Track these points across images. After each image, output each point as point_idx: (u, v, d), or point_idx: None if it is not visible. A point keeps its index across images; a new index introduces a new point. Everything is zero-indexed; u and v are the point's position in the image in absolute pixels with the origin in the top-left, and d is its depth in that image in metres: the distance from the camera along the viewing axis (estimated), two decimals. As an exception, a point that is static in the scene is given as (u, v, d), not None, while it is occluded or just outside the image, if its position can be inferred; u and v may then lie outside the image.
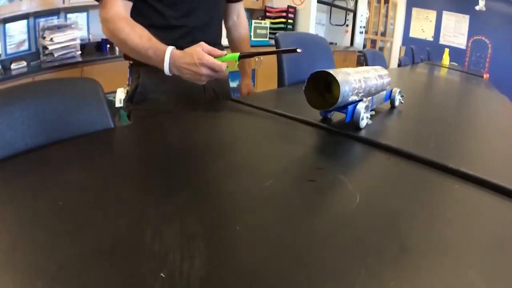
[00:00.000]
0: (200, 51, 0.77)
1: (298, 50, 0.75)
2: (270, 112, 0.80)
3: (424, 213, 0.43)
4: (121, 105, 1.01)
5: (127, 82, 1.01)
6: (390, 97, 0.91)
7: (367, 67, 0.82)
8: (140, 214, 0.39)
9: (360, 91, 0.69)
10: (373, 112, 0.76)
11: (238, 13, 1.18)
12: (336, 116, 0.77)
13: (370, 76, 0.74)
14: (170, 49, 0.80)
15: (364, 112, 0.69)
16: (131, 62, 0.99)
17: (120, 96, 1.02)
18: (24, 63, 2.13)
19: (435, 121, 0.92)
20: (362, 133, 0.68)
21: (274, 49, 1.06)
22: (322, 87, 0.73)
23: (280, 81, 1.23)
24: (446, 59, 3.37)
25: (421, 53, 4.35)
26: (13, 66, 2.07)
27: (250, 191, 0.46)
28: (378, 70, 0.83)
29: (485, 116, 1.16)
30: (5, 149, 0.56)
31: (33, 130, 0.61)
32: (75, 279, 0.29)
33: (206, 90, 1.04)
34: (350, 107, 0.68)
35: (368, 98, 0.75)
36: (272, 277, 0.30)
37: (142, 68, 0.95)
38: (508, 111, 1.31)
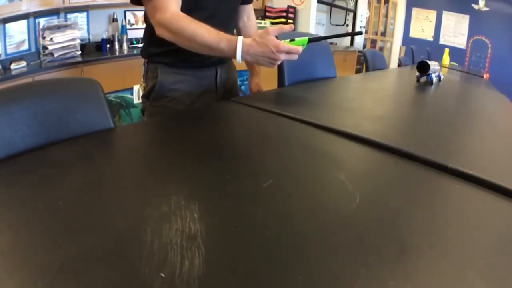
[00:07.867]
0: (273, 39, 0.82)
1: (362, 31, 0.87)
2: (270, 112, 0.80)
3: (424, 213, 0.43)
4: (139, 101, 1.03)
5: (142, 79, 1.04)
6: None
7: (432, 61, 1.52)
8: (140, 214, 0.39)
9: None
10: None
11: (249, 14, 1.20)
12: (337, 116, 0.77)
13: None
14: (240, 38, 0.83)
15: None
16: (146, 60, 1.02)
17: (138, 92, 1.04)
18: (24, 63, 2.12)
19: (434, 121, 0.92)
20: (362, 133, 0.68)
21: None
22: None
23: (280, 81, 1.23)
24: (446, 59, 3.37)
25: (421, 53, 4.35)
26: (13, 66, 2.07)
27: (250, 191, 0.46)
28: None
29: (485, 116, 1.16)
30: (5, 149, 0.56)
31: (33, 130, 0.61)
32: (75, 279, 0.29)
33: (218, 90, 1.07)
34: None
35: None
36: (272, 277, 0.30)
37: (161, 68, 0.98)
38: (508, 111, 1.31)
